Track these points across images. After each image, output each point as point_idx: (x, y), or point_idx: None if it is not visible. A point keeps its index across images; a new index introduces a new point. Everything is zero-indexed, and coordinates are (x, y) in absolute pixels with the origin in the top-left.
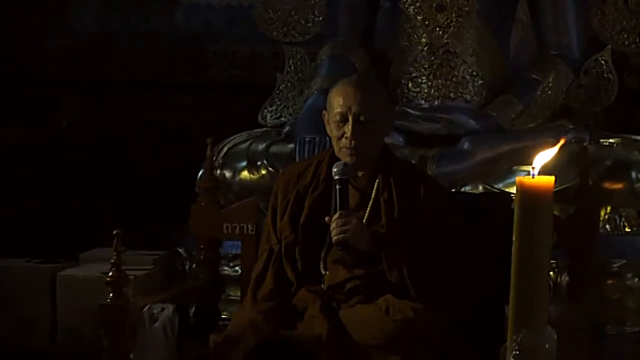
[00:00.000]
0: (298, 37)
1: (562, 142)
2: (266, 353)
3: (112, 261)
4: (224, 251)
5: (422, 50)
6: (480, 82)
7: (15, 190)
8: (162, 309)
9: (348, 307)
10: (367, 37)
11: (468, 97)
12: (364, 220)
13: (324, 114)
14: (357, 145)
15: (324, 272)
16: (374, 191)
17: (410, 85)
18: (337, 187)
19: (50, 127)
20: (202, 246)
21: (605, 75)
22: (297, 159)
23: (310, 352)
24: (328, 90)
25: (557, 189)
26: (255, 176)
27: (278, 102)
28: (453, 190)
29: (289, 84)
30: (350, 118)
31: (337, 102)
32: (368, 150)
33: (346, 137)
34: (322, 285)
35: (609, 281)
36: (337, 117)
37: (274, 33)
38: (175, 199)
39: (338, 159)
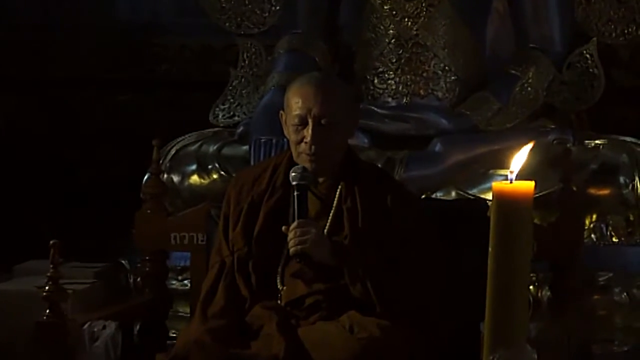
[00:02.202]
0: (253, 28)
1: (532, 143)
2: None
3: (48, 274)
4: (172, 263)
5: (390, 43)
6: (453, 77)
7: None
8: (104, 327)
9: (308, 325)
10: (329, 29)
11: (440, 94)
12: (325, 230)
13: (281, 114)
14: (318, 151)
15: (280, 287)
16: (336, 198)
17: (376, 81)
18: (295, 193)
19: None
20: (147, 258)
21: (591, 70)
22: (251, 162)
23: None
24: (285, 87)
25: (537, 195)
26: (205, 181)
27: (231, 100)
28: (423, 196)
29: (243, 80)
30: (310, 121)
31: (295, 103)
32: (330, 155)
33: (306, 142)
34: (279, 301)
35: (595, 296)
36: (296, 120)
37: (227, 24)
38: (118, 206)
39: (296, 164)
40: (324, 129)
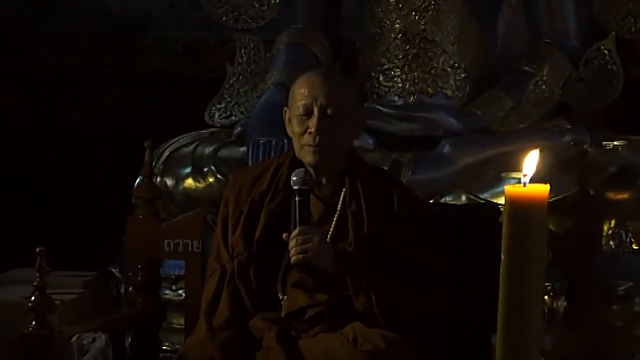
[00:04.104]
0: (251, 22)
1: (538, 149)
2: None
3: (35, 283)
4: (165, 272)
5: (396, 38)
6: (463, 75)
7: None
8: (94, 339)
9: (309, 337)
10: (331, 23)
11: (449, 92)
12: (329, 235)
13: (285, 111)
14: (322, 143)
15: (281, 297)
16: (340, 202)
17: (381, 78)
18: (297, 199)
19: None
20: (139, 266)
21: (609, 67)
22: (249, 165)
23: None
24: (285, 84)
25: (552, 199)
26: (201, 184)
27: (228, 99)
28: (432, 200)
29: (241, 77)
30: (315, 111)
31: (300, 93)
32: (334, 149)
33: (310, 133)
34: (280, 312)
35: (614, 306)
36: (301, 110)
37: (223, 18)
38: (108, 211)
39: (299, 164)
40: (329, 119)
